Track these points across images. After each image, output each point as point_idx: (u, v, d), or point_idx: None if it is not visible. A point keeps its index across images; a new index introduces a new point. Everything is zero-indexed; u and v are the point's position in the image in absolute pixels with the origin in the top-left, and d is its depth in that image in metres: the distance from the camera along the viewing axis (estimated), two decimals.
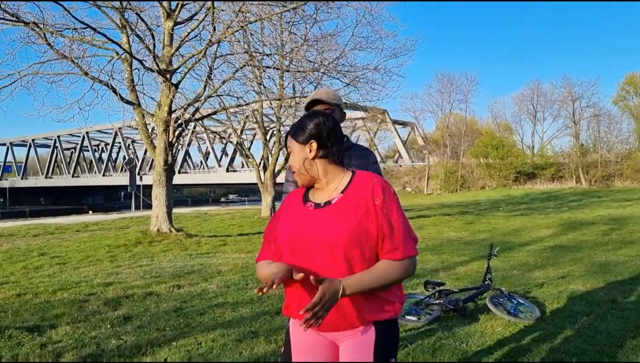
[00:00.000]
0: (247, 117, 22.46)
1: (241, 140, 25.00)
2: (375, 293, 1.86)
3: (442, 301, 5.15)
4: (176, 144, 13.85)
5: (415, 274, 7.38)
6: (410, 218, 18.67)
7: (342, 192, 1.93)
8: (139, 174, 37.18)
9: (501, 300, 5.21)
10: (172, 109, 13.08)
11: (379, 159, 49.37)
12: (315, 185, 2.01)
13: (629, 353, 3.90)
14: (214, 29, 12.46)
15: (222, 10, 12.56)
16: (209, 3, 12.02)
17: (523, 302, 5.25)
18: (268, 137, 21.27)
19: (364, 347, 1.90)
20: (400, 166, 51.26)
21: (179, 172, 53.04)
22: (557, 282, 6.64)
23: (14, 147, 74.85)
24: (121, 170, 63.79)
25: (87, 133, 61.22)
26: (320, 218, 1.89)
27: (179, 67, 12.91)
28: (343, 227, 1.84)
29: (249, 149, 27.56)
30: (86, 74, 11.89)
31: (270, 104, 19.03)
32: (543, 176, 41.75)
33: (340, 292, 1.75)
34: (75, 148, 69.78)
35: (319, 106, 2.84)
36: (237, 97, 14.27)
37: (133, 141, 65.76)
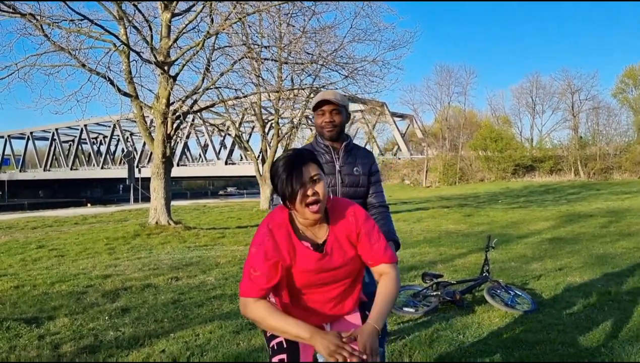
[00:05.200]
0: (245, 109, 22.43)
1: (240, 132, 24.96)
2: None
3: (439, 293, 5.16)
4: (174, 137, 13.82)
5: (414, 266, 7.40)
6: (409, 211, 18.70)
7: (327, 228, 2.09)
8: (137, 166, 37.20)
9: (498, 291, 5.21)
10: (170, 101, 13.05)
11: (377, 152, 49.33)
12: (311, 221, 2.04)
13: (625, 345, 3.91)
14: (212, 20, 12.42)
15: (220, 1, 12.50)
16: None
17: (520, 294, 5.25)
18: (266, 130, 21.25)
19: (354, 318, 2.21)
20: (399, 159, 51.27)
21: (178, 165, 53.04)
22: (555, 274, 6.65)
23: (12, 140, 74.73)
24: (120, 162, 63.87)
25: (85, 126, 61.19)
26: (326, 266, 2.05)
27: (176, 59, 12.86)
28: (346, 268, 2.09)
29: (248, 141, 27.54)
30: (83, 65, 11.86)
31: (269, 96, 19.00)
32: (542, 169, 41.76)
33: (377, 336, 1.90)
34: (73, 141, 69.76)
35: (326, 106, 2.85)
36: (236, 90, 14.26)
37: (132, 134, 65.75)
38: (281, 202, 2.07)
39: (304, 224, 2.06)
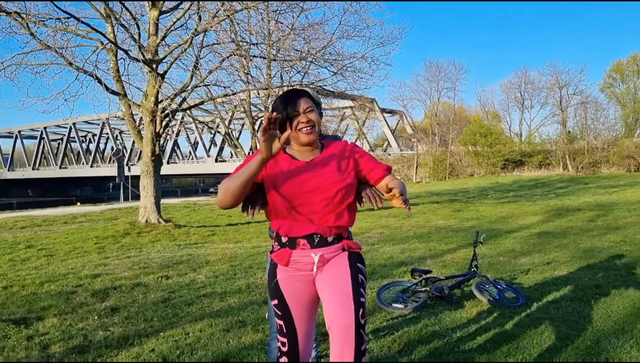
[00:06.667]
0: (235, 106, 22.33)
1: (229, 130, 24.87)
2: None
3: (428, 288, 5.19)
4: (164, 134, 13.76)
5: (403, 262, 7.44)
6: None
7: (320, 152, 2.37)
8: (127, 164, 36.97)
9: (487, 286, 5.26)
10: (159, 99, 12.99)
11: (367, 148, 49.08)
12: (305, 147, 2.35)
13: (611, 338, 3.96)
14: (200, 18, 12.37)
15: (208, 0, 12.46)
16: None
17: (508, 288, 5.30)
18: (256, 127, 21.17)
19: (342, 257, 2.37)
20: (389, 155, 51.30)
21: (168, 163, 52.82)
22: (543, 268, 6.71)
23: (0, 139, 74.06)
24: (109, 161, 63.44)
25: (74, 124, 60.69)
26: (312, 171, 2.29)
27: (164, 57, 12.80)
28: (332, 174, 2.29)
29: (238, 138, 27.45)
30: (70, 64, 11.77)
31: (258, 93, 18.95)
32: (531, 163, 41.95)
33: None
34: (62, 139, 69.15)
35: None
36: (225, 87, 14.21)
37: (121, 132, 65.25)
38: None
39: (299, 151, 2.35)
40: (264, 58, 16.30)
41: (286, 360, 2.33)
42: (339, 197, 2.28)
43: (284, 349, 2.34)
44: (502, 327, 4.33)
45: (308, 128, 2.26)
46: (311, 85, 17.42)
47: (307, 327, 2.38)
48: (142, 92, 13.32)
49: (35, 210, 23.98)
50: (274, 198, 2.30)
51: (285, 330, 2.34)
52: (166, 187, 69.90)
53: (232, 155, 53.51)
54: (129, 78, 13.32)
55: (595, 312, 4.65)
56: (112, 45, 12.14)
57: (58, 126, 65.05)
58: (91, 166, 64.44)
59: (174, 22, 12.62)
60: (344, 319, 2.18)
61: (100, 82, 12.07)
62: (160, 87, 12.72)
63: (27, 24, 11.05)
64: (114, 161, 44.45)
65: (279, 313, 2.37)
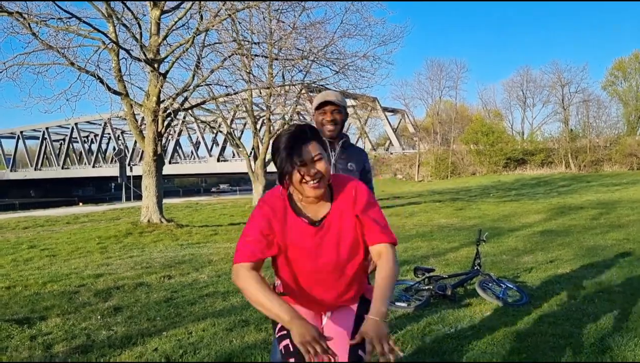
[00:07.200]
0: (237, 106, 22.35)
1: (231, 129, 24.91)
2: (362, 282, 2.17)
3: (431, 287, 5.18)
4: (166, 134, 13.77)
5: (406, 260, 7.42)
6: (401, 205, 18.73)
7: (330, 206, 2.02)
8: (129, 164, 37.03)
9: (490, 285, 5.25)
10: (161, 99, 12.99)
11: (369, 147, 49.35)
12: (312, 199, 1.98)
13: (615, 335, 3.95)
14: (201, 17, 12.37)
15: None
16: None
17: (512, 287, 5.29)
18: (258, 126, 21.19)
19: (349, 313, 2.16)
20: (391, 153, 51.29)
21: (170, 163, 52.84)
22: (546, 267, 6.70)
23: (1, 140, 74.08)
24: (111, 161, 63.43)
25: (76, 124, 60.74)
26: (324, 242, 1.98)
27: (166, 57, 12.79)
28: (344, 250, 2.00)
29: (240, 138, 27.51)
30: (72, 64, 11.77)
31: (260, 92, 18.97)
32: (533, 162, 41.90)
33: (383, 325, 1.78)
34: (64, 139, 69.23)
35: (328, 107, 3.01)
36: (226, 86, 14.22)
37: (123, 132, 65.33)
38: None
39: (305, 202, 1.99)
40: (266, 57, 16.32)
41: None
42: (353, 272, 2.05)
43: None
44: (506, 325, 4.31)
45: (315, 182, 1.90)
46: (313, 85, 17.44)
47: None
48: (144, 92, 13.33)
49: (37, 211, 24.04)
50: (282, 268, 2.05)
51: (292, 348, 1.99)
52: (168, 187, 69.95)
53: (234, 154, 53.56)
54: (131, 78, 13.37)
55: (599, 310, 4.63)
56: (114, 45, 12.14)
57: (60, 126, 65.14)
58: (93, 166, 64.51)
59: (176, 22, 12.62)
60: None
61: (102, 82, 12.08)
62: (162, 86, 12.72)
63: (29, 24, 11.05)
64: (116, 161, 44.48)
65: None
